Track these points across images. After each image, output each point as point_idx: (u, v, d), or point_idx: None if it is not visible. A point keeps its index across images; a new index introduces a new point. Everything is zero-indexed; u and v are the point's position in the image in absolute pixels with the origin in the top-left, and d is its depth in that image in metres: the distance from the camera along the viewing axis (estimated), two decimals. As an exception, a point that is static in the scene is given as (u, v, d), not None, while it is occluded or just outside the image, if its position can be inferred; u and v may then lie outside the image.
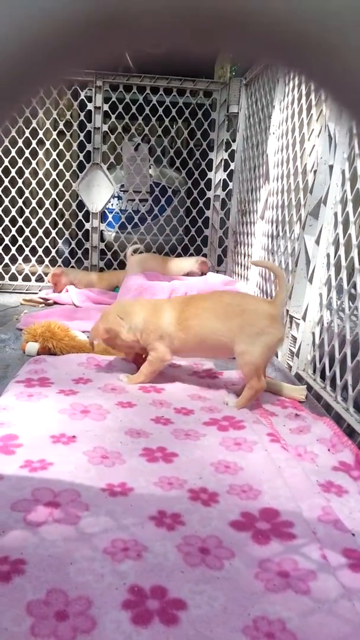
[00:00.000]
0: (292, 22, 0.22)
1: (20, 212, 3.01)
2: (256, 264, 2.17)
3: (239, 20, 0.22)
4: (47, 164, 2.96)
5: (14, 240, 2.99)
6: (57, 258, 3.07)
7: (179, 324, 1.53)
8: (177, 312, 1.55)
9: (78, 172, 2.99)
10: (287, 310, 1.85)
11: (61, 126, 2.94)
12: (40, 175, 2.97)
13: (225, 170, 3.02)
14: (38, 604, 0.72)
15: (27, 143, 2.94)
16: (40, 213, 2.98)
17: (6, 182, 2.92)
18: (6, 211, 2.95)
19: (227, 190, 3.04)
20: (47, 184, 2.97)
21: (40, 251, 3.02)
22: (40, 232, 3.01)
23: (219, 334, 1.48)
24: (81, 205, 2.98)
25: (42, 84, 0.26)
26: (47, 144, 2.95)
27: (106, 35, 0.23)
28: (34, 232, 3.01)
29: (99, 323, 1.62)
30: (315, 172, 1.69)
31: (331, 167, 1.62)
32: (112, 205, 3.22)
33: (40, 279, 3.01)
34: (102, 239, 3.07)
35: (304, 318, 1.71)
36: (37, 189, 2.98)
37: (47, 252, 3.03)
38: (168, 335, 1.55)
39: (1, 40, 0.22)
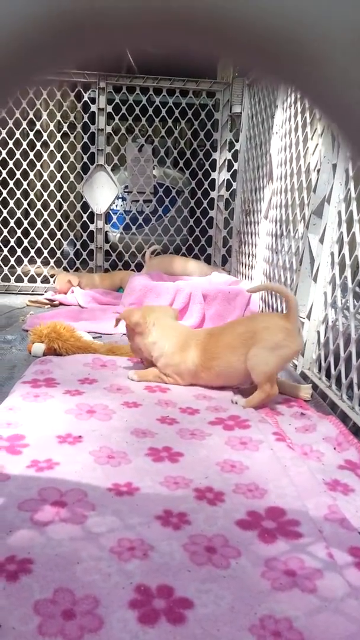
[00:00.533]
0: (265, 27, 0.22)
1: (26, 214, 3.02)
2: (254, 291, 2.02)
3: (210, 24, 0.22)
4: (52, 166, 2.97)
5: (19, 242, 3.00)
6: (62, 259, 3.08)
7: (201, 365, 1.56)
8: (200, 352, 1.56)
9: (82, 173, 3.00)
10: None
11: (65, 128, 2.95)
12: (45, 177, 2.98)
13: (228, 170, 3.02)
14: (45, 603, 0.72)
15: (32, 145, 2.95)
16: (45, 215, 2.99)
17: (11, 184, 2.93)
18: (11, 213, 2.96)
19: (230, 190, 3.04)
20: (52, 186, 2.98)
21: (45, 253, 3.03)
22: (46, 234, 3.02)
23: (236, 366, 1.51)
24: (85, 206, 2.98)
25: (17, 86, 0.26)
26: (52, 146, 2.96)
27: (77, 35, 0.23)
28: (39, 233, 3.02)
29: (138, 311, 1.65)
30: (318, 171, 1.69)
31: (334, 165, 1.61)
32: (116, 206, 3.23)
33: (45, 280, 3.02)
34: (106, 240, 3.08)
35: (308, 317, 1.71)
36: (42, 190, 3.00)
37: (52, 253, 3.04)
38: (188, 373, 1.59)
39: None
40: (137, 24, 0.22)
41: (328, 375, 1.57)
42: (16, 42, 0.22)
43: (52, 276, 2.92)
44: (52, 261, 3.05)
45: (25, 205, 2.97)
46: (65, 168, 2.97)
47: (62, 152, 2.97)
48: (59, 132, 2.98)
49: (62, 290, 2.79)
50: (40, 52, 0.23)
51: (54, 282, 2.87)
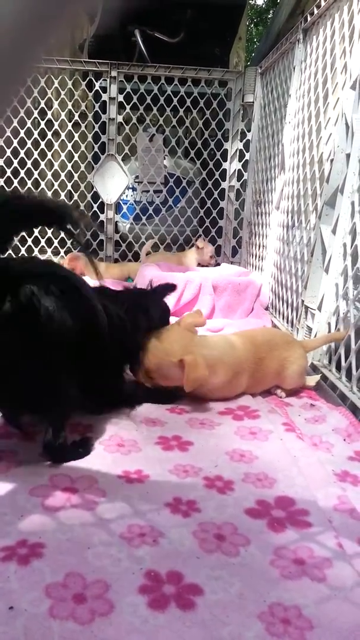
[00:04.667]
0: None
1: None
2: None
3: None
4: (63, 156, 2.97)
5: (30, 232, 3.01)
6: (72, 249, 3.08)
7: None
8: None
9: (93, 163, 2.99)
10: (303, 301, 1.84)
11: (76, 117, 2.94)
12: (56, 166, 2.97)
13: (240, 160, 3.00)
14: (56, 586, 0.73)
15: (43, 134, 2.95)
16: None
17: (22, 173, 2.93)
18: (22, 203, 2.96)
19: (242, 180, 3.02)
20: (63, 176, 2.97)
21: (56, 242, 3.03)
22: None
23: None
24: (96, 196, 2.98)
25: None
26: (63, 136, 2.96)
27: None
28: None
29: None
30: (331, 161, 1.67)
31: (348, 155, 1.60)
32: (126, 196, 3.22)
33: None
34: (116, 230, 3.08)
35: (319, 308, 1.70)
36: (53, 180, 2.99)
37: (62, 243, 3.05)
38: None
39: None
40: None
41: (338, 367, 1.56)
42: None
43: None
44: (62, 251, 3.05)
45: (36, 194, 2.97)
46: (76, 157, 2.97)
47: (73, 141, 2.96)
48: (70, 122, 2.97)
49: (71, 265, 2.73)
50: None
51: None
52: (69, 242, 3.05)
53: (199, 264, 2.92)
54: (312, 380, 1.57)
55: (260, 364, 1.44)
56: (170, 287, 1.52)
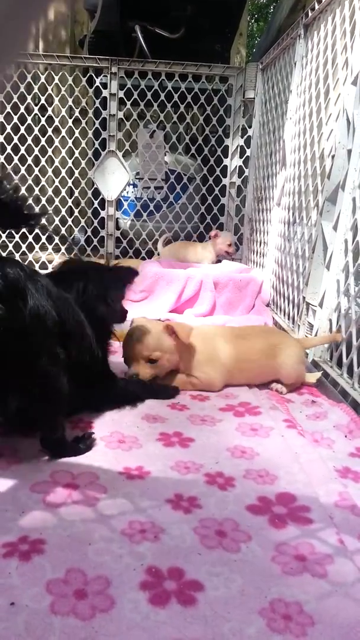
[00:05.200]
0: None
1: (37, 200, 3.02)
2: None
3: None
4: (63, 152, 2.96)
5: (31, 229, 3.00)
6: (73, 246, 3.08)
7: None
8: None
9: (93, 159, 2.98)
10: (304, 297, 1.83)
11: (77, 113, 2.93)
12: (57, 163, 2.97)
13: (241, 156, 2.99)
14: (57, 582, 0.73)
15: (43, 131, 2.94)
16: (57, 201, 2.99)
17: (23, 170, 2.92)
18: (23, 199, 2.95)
19: (243, 177, 3.01)
20: (63, 172, 2.97)
21: (56, 239, 3.02)
22: (57, 220, 3.02)
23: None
24: (97, 193, 2.97)
25: None
26: (63, 132, 2.95)
27: None
28: (50, 220, 3.02)
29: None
30: (333, 157, 1.66)
31: (349, 151, 1.59)
32: (127, 193, 3.21)
33: (43, 267, 3.02)
34: (117, 226, 3.07)
35: (320, 305, 1.70)
36: (54, 177, 2.99)
37: (63, 240, 3.04)
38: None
39: None
40: None
41: (340, 364, 1.56)
42: None
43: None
44: (63, 248, 3.05)
45: (36, 191, 2.97)
46: (76, 154, 2.96)
47: (73, 137, 2.95)
48: (70, 118, 2.97)
49: None
50: None
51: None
52: (69, 239, 3.05)
53: (218, 257, 2.87)
54: (313, 377, 1.57)
55: (242, 338, 1.53)
56: (133, 273, 1.42)
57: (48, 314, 0.98)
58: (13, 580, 0.73)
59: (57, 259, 3.01)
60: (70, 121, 2.95)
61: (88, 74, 2.89)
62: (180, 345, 1.46)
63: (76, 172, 2.96)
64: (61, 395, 1.03)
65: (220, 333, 1.58)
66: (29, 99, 2.89)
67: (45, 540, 0.81)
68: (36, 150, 2.92)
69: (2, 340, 0.92)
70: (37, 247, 3.01)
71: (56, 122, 2.94)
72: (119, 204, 3.05)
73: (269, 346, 1.52)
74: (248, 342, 1.52)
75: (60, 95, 2.90)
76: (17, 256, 3.01)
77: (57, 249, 3.05)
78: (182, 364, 1.50)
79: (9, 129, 2.89)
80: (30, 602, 0.69)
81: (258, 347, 1.51)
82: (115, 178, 2.92)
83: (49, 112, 2.94)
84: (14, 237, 2.99)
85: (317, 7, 1.95)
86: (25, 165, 2.91)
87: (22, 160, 2.91)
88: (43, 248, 3.03)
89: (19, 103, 2.84)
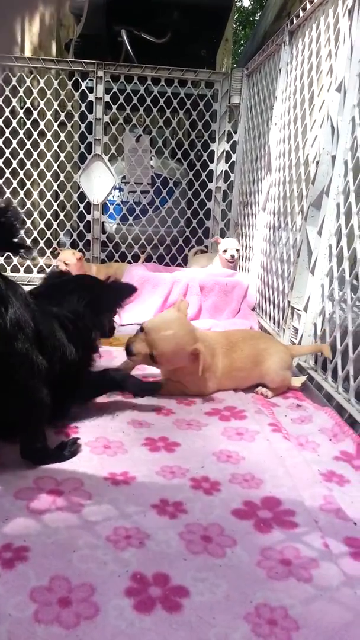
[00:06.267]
0: None
1: (22, 203, 3.00)
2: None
3: None
4: (49, 155, 2.95)
5: (28, 233, 2.98)
6: (58, 250, 3.06)
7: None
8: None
9: (79, 163, 2.98)
10: (289, 302, 1.84)
11: (62, 117, 2.92)
12: (42, 166, 2.95)
13: (226, 161, 3.00)
14: (41, 590, 0.72)
15: (29, 134, 2.92)
16: (42, 204, 2.97)
17: (7, 173, 2.90)
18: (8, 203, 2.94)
19: (228, 181, 3.03)
20: (49, 176, 2.96)
21: (42, 243, 3.01)
22: (42, 224, 3.00)
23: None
24: (82, 196, 2.96)
25: None
26: (49, 135, 2.94)
27: None
28: (35, 223, 3.00)
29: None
30: (317, 162, 1.68)
31: (334, 157, 1.61)
32: (113, 196, 3.21)
33: (41, 270, 3.00)
34: (103, 230, 3.06)
35: (305, 309, 1.71)
36: (39, 180, 2.97)
37: (48, 243, 3.03)
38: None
39: None
40: None
41: (324, 368, 1.57)
42: None
43: (55, 252, 2.83)
44: (48, 252, 3.03)
45: (21, 195, 2.95)
46: (62, 158, 2.95)
47: (59, 141, 2.94)
48: (56, 121, 2.96)
49: (64, 260, 2.70)
50: None
51: (56, 260, 2.79)
52: (55, 243, 3.03)
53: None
54: (298, 381, 1.58)
55: (234, 347, 1.51)
56: (130, 290, 1.40)
57: (27, 323, 0.97)
58: (-4, 588, 0.72)
59: (42, 262, 2.99)
60: (55, 125, 2.94)
61: (74, 78, 2.89)
62: (190, 367, 1.40)
63: (62, 175, 2.95)
64: (42, 404, 1.02)
65: (218, 342, 1.52)
66: (14, 102, 2.88)
67: (29, 548, 0.80)
68: (21, 154, 2.90)
69: None
70: (35, 251, 2.97)
71: (42, 126, 2.93)
72: (104, 207, 3.04)
73: (257, 352, 1.52)
74: (238, 350, 1.51)
75: (45, 99, 2.89)
76: (1, 260, 2.99)
77: (42, 253, 3.03)
78: (180, 374, 1.46)
79: (-7, 131, 2.88)
80: (13, 610, 0.69)
81: (246, 354, 1.51)
82: (101, 182, 2.91)
83: (35, 115, 2.92)
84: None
85: (301, 14, 1.98)
86: (10, 169, 2.89)
87: (7, 163, 2.90)
88: (41, 253, 3.00)
89: (4, 106, 2.83)
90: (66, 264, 2.68)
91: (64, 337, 1.15)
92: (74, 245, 3.06)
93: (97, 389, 1.34)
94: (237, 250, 2.65)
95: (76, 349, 1.17)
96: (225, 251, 2.64)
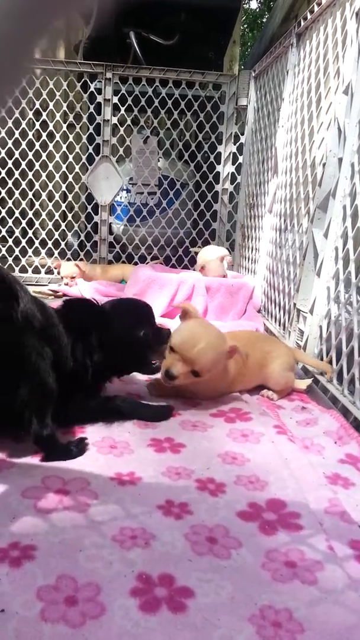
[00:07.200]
0: None
1: (31, 204, 3.02)
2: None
3: None
4: (57, 157, 2.96)
5: (24, 233, 3.00)
6: (66, 251, 3.08)
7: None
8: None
9: (87, 164, 2.99)
10: (295, 304, 1.85)
11: (71, 119, 2.94)
12: (50, 167, 2.97)
13: (233, 163, 3.01)
14: (48, 589, 0.73)
15: (38, 136, 2.94)
16: (50, 206, 2.99)
17: (17, 174, 2.92)
18: (17, 204, 2.95)
19: (235, 183, 3.03)
20: (57, 177, 2.97)
21: (49, 244, 3.02)
22: (50, 225, 3.02)
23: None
24: (90, 198, 2.98)
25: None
26: (57, 137, 2.95)
27: None
28: (43, 224, 3.02)
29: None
30: (324, 165, 1.68)
31: (340, 159, 1.61)
32: (120, 198, 3.22)
33: (49, 271, 3.02)
34: (110, 231, 3.07)
35: (311, 311, 1.71)
36: (47, 181, 2.99)
37: (56, 244, 3.04)
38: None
39: None
40: None
41: (330, 370, 1.57)
42: None
43: (55, 268, 2.89)
44: (56, 252, 3.04)
45: (30, 196, 2.97)
46: (70, 159, 2.96)
47: (67, 142, 2.96)
48: (64, 123, 2.97)
49: (70, 275, 2.73)
50: None
51: (58, 274, 2.85)
52: (62, 244, 3.05)
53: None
54: (304, 383, 1.57)
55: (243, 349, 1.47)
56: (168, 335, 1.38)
57: (35, 316, 1.07)
58: (3, 586, 0.73)
59: (50, 263, 3.01)
60: (64, 126, 2.96)
61: (82, 80, 2.90)
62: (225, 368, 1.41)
63: (70, 177, 2.97)
64: (49, 389, 1.07)
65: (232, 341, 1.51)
66: (23, 103, 2.89)
67: (36, 547, 0.81)
68: (30, 155, 2.92)
69: None
70: (30, 251, 3.00)
71: (50, 127, 2.94)
72: (112, 209, 3.05)
73: (262, 355, 1.51)
74: (250, 354, 1.46)
75: (54, 100, 2.90)
76: (10, 260, 3.00)
77: (50, 253, 3.05)
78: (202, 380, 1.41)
79: (3, 133, 2.89)
80: (20, 609, 0.69)
81: (253, 357, 1.48)
82: (108, 183, 2.93)
83: (44, 116, 2.94)
84: (7, 241, 2.99)
85: (309, 16, 1.98)
86: (19, 170, 2.91)
87: (16, 164, 2.91)
88: (36, 252, 3.02)
89: (13, 107, 2.84)
90: (72, 277, 2.72)
91: (65, 336, 1.20)
92: (81, 247, 3.07)
93: (94, 415, 1.28)
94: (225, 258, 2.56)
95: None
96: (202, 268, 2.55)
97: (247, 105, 2.90)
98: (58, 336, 1.17)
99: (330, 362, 1.56)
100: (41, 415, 1.06)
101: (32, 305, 1.07)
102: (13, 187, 2.93)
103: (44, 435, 1.05)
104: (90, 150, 2.96)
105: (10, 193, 2.95)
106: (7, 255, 3.00)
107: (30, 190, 2.96)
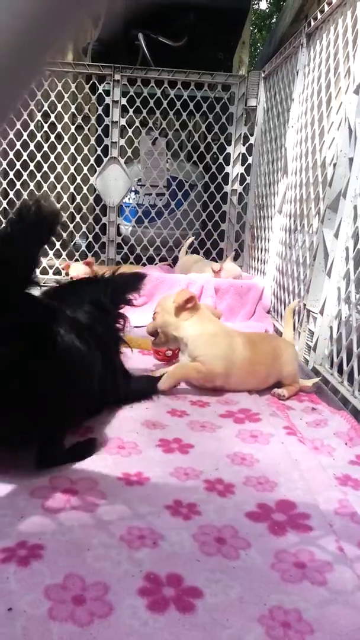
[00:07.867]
0: None
1: (39, 206, 3.02)
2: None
3: None
4: (65, 158, 2.97)
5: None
6: (74, 252, 3.09)
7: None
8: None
9: (95, 166, 3.00)
10: (305, 304, 1.84)
11: (79, 120, 2.95)
12: (59, 169, 2.98)
13: (242, 164, 3.00)
14: (56, 588, 0.73)
15: (46, 137, 2.95)
16: (59, 207, 3.00)
17: (25, 175, 2.94)
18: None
19: (244, 184, 3.02)
20: (65, 178, 2.98)
21: (57, 245, 3.03)
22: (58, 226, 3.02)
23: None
24: (98, 199, 2.98)
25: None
26: (65, 138, 2.96)
27: None
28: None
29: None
30: (334, 165, 1.67)
31: (351, 159, 1.60)
32: (129, 199, 3.22)
33: (57, 272, 3.03)
34: (118, 232, 3.08)
35: (321, 312, 1.70)
36: (55, 183, 3.00)
37: (64, 245, 3.05)
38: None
39: None
40: None
41: (340, 371, 1.56)
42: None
43: (64, 269, 2.89)
44: (64, 253, 3.05)
45: (38, 197, 2.98)
46: (78, 160, 2.97)
47: (75, 144, 2.97)
48: (73, 125, 2.98)
49: (80, 275, 2.73)
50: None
51: (66, 275, 2.85)
52: (70, 245, 3.06)
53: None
54: (310, 382, 1.58)
55: (254, 343, 1.57)
56: (139, 279, 1.45)
57: (74, 348, 1.07)
58: (11, 585, 0.73)
59: (58, 264, 3.02)
60: (72, 128, 2.97)
61: (91, 81, 2.91)
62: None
63: (78, 178, 2.98)
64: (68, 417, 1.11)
65: (239, 335, 1.59)
66: (32, 105, 2.91)
67: (44, 546, 0.81)
68: (39, 157, 2.93)
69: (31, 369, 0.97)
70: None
71: (59, 129, 2.95)
72: (120, 210, 3.06)
73: (273, 348, 1.59)
74: (259, 346, 1.57)
75: (63, 102, 2.91)
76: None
77: (58, 254, 3.06)
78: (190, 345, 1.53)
79: (11, 134, 2.90)
80: (28, 607, 0.69)
81: (267, 350, 1.57)
82: (117, 185, 2.93)
83: (52, 118, 2.95)
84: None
85: (319, 16, 1.97)
86: (28, 171, 2.93)
87: (25, 166, 2.93)
88: (44, 253, 3.04)
89: (22, 109, 2.86)
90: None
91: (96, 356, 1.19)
92: (89, 248, 3.08)
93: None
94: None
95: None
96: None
97: (256, 106, 2.90)
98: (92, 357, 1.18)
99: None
100: (50, 440, 1.06)
101: (72, 336, 1.07)
102: (21, 189, 2.95)
103: (48, 452, 1.05)
104: (99, 152, 2.96)
105: (18, 195, 2.96)
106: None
107: (39, 192, 2.97)
